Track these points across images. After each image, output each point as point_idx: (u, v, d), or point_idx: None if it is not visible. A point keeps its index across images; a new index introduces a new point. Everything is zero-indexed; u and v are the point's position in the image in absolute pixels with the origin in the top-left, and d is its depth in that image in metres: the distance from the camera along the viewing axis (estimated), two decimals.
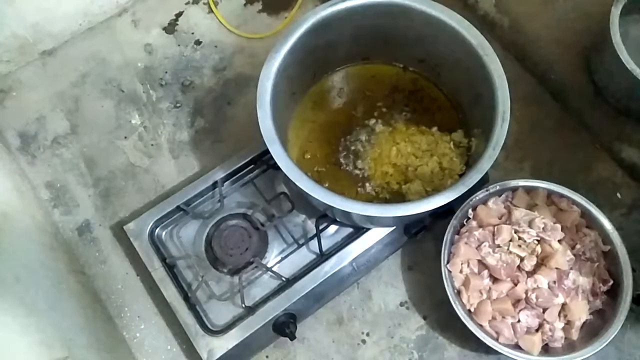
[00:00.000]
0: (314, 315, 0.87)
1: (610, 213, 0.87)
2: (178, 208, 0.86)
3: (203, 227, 0.85)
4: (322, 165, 0.86)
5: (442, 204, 0.69)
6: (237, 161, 0.87)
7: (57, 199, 0.96)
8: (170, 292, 0.81)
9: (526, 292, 0.77)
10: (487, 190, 0.81)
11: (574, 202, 0.81)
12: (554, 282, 0.77)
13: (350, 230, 0.86)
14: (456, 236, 0.81)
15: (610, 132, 0.95)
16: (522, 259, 0.78)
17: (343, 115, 0.90)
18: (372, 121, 0.88)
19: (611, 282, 0.78)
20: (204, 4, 1.08)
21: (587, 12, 0.99)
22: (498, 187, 0.82)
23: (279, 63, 0.75)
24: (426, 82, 0.91)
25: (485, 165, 0.70)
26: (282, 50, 0.76)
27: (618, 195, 0.93)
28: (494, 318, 0.78)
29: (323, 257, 0.84)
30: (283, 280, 0.83)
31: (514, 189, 0.83)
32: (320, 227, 0.83)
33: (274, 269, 0.83)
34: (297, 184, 0.69)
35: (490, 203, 0.82)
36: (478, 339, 0.75)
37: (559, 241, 0.79)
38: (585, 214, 0.81)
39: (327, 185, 0.85)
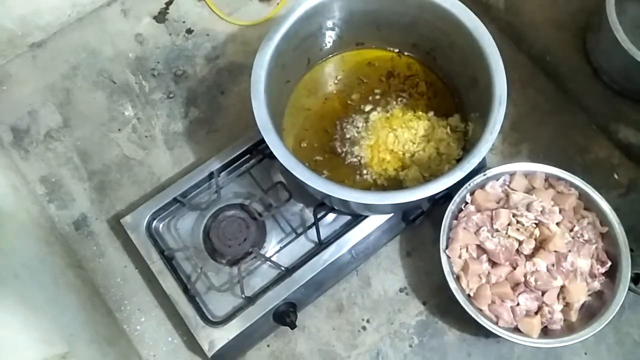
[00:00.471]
0: (314, 304, 0.87)
1: (608, 194, 0.88)
2: (175, 200, 0.85)
3: (200, 218, 0.85)
4: (319, 153, 0.86)
5: (440, 189, 0.68)
6: (232, 151, 0.87)
7: (52, 194, 0.95)
8: (169, 284, 0.81)
9: (525, 276, 0.77)
10: (484, 175, 0.81)
11: (572, 185, 0.81)
12: (553, 265, 0.77)
13: (348, 218, 0.86)
14: (454, 221, 0.81)
15: (607, 113, 0.95)
16: (520, 243, 0.78)
17: (338, 102, 0.89)
18: (368, 107, 0.87)
19: (609, 263, 0.78)
20: None
21: None
22: (495, 172, 0.82)
23: (273, 51, 0.74)
24: (422, 67, 0.90)
25: (482, 149, 0.70)
26: (275, 37, 0.75)
27: (615, 176, 0.93)
28: (493, 302, 0.78)
29: (322, 245, 0.83)
30: (282, 270, 0.83)
31: (512, 173, 0.83)
32: (318, 216, 0.83)
33: (272, 258, 0.83)
34: (293, 173, 0.69)
35: (488, 187, 0.82)
36: (478, 323, 0.76)
37: (557, 224, 0.79)
38: (583, 196, 0.81)
39: (325, 173, 0.84)
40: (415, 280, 0.89)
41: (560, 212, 0.80)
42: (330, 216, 0.86)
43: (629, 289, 0.76)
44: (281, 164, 0.69)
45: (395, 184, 0.83)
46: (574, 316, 0.77)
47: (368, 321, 0.88)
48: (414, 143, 0.83)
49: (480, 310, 0.77)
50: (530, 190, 0.82)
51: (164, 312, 0.88)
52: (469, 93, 0.83)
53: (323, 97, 0.89)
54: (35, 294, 0.74)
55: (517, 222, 0.79)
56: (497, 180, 0.83)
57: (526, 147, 0.95)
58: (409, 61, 0.90)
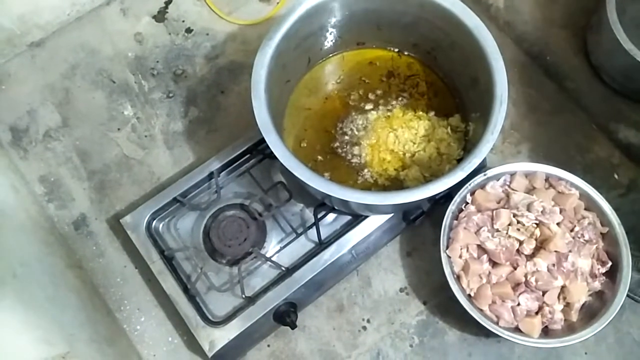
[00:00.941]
0: (314, 304, 0.87)
1: (608, 194, 0.87)
2: (174, 200, 0.85)
3: (200, 218, 0.85)
4: (320, 154, 0.86)
5: (441, 190, 0.68)
6: (232, 151, 0.87)
7: (51, 193, 0.95)
8: (169, 284, 0.81)
9: (526, 276, 0.77)
10: (485, 175, 0.81)
11: (573, 185, 0.81)
12: (553, 265, 0.77)
13: (349, 218, 0.86)
14: (455, 221, 0.81)
15: (607, 113, 0.95)
16: (521, 243, 0.78)
17: (339, 102, 0.89)
18: (369, 107, 0.87)
19: (610, 263, 0.78)
20: None
21: None
22: (496, 172, 0.82)
23: (273, 50, 0.74)
24: (422, 67, 0.90)
25: (483, 149, 0.69)
26: (275, 37, 0.74)
27: (615, 175, 0.93)
28: (493, 302, 0.78)
29: (322, 245, 0.83)
30: (282, 270, 0.83)
31: (512, 173, 0.83)
32: (319, 216, 0.83)
33: (273, 258, 0.83)
34: (294, 173, 0.68)
35: (488, 187, 0.82)
36: (478, 323, 0.76)
37: (558, 224, 0.79)
38: (583, 196, 0.81)
39: (325, 173, 0.84)
40: (415, 280, 0.89)
41: (560, 212, 0.80)
42: (331, 216, 0.86)
43: (627, 295, 0.76)
44: (281, 164, 0.69)
45: (396, 184, 0.83)
46: (574, 316, 0.77)
47: (368, 321, 0.88)
48: (414, 143, 0.83)
49: (480, 310, 0.77)
50: (530, 190, 0.82)
51: (164, 312, 0.88)
52: (470, 93, 0.83)
53: (323, 96, 0.89)
54: (35, 294, 0.74)
55: (518, 222, 0.79)
56: (498, 180, 0.83)
57: (526, 147, 0.95)
58: (410, 61, 0.90)
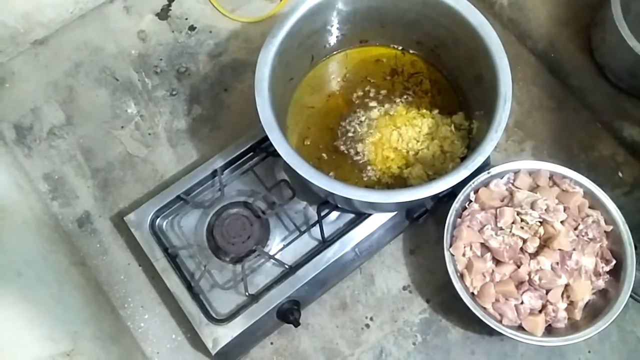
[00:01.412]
0: (317, 301, 0.87)
1: (612, 192, 0.87)
2: (178, 198, 0.85)
3: (204, 216, 0.85)
4: (323, 152, 0.86)
5: (445, 188, 0.68)
6: (236, 149, 0.87)
7: (55, 191, 0.95)
8: (173, 282, 0.81)
9: (529, 274, 0.77)
10: (488, 173, 0.81)
11: (577, 183, 0.81)
12: (557, 264, 0.77)
13: (352, 216, 0.86)
14: (458, 219, 0.81)
15: (611, 111, 0.94)
16: (524, 241, 0.78)
17: (342, 100, 0.89)
18: (372, 105, 0.87)
19: (614, 262, 0.78)
20: None
21: None
22: (500, 170, 0.81)
23: (277, 48, 0.74)
24: (426, 65, 0.90)
25: (487, 147, 0.69)
26: (279, 34, 0.74)
27: (619, 174, 0.93)
28: (497, 300, 0.78)
29: (325, 243, 0.83)
30: (286, 268, 0.83)
31: (516, 171, 0.83)
32: (322, 214, 0.83)
33: (276, 256, 0.83)
34: (298, 171, 0.68)
35: (492, 185, 0.82)
36: (481, 321, 0.76)
37: (562, 222, 0.79)
38: (587, 194, 0.81)
39: (329, 171, 0.84)
40: (418, 278, 0.89)
41: (564, 210, 0.79)
42: (334, 214, 0.86)
43: (631, 296, 0.76)
44: (285, 162, 0.69)
45: (400, 182, 0.83)
46: (578, 314, 0.77)
47: (371, 319, 0.88)
48: (418, 141, 0.83)
49: (484, 309, 0.77)
50: (534, 188, 0.82)
51: (167, 309, 0.89)
52: (474, 91, 0.83)
53: (327, 94, 0.89)
54: (39, 292, 0.74)
55: (522, 220, 0.79)
56: (501, 178, 0.83)
57: (530, 144, 0.95)
58: (413, 58, 0.90)
